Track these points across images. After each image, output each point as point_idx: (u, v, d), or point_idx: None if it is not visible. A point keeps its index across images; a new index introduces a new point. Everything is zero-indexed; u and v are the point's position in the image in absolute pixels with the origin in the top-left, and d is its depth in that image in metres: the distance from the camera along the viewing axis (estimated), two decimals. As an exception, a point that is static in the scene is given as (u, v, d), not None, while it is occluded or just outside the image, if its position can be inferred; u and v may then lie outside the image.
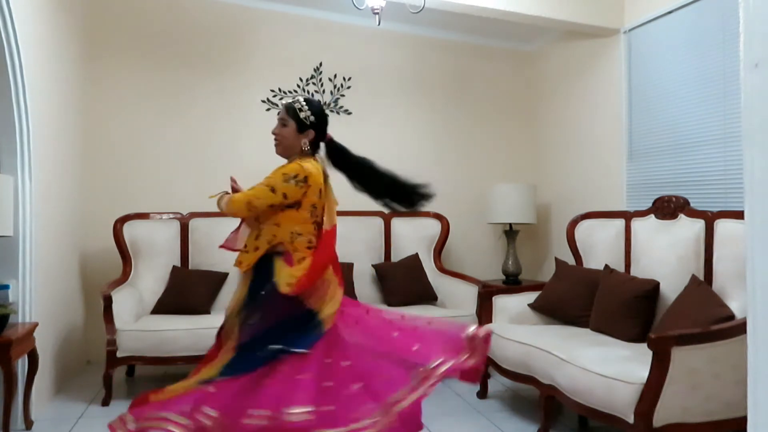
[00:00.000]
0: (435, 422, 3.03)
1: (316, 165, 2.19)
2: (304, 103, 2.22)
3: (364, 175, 2.26)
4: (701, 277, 2.85)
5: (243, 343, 2.05)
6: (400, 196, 2.28)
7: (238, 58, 4.54)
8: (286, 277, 2.05)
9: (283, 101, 2.27)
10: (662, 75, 3.78)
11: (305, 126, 2.21)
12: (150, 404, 2.00)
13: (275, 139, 2.23)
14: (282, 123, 2.22)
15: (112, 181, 4.26)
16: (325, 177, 2.23)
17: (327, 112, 2.39)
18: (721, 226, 2.84)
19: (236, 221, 2.28)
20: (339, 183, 2.31)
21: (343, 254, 4.05)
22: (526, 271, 4.85)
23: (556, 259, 3.79)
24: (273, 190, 2.08)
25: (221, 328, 2.20)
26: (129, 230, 3.95)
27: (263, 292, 2.06)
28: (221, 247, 2.29)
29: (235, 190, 2.21)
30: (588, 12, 4.11)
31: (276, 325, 2.03)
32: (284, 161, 2.27)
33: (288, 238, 2.11)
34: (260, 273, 2.09)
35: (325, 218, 2.19)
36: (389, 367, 2.04)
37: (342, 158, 2.27)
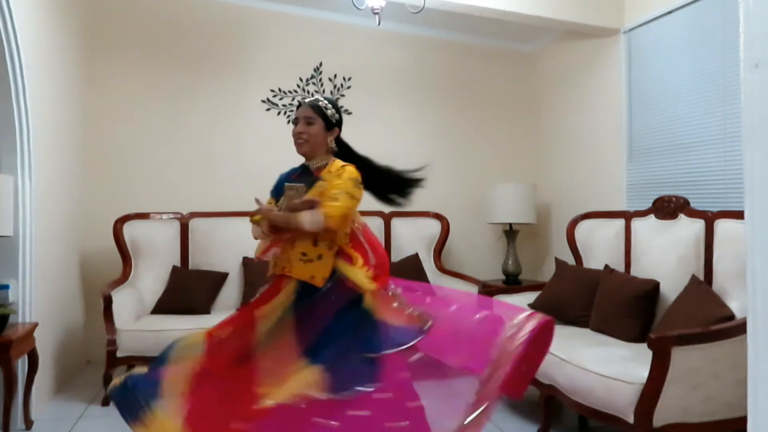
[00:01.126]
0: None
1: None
2: (328, 102, 2.22)
3: (367, 172, 2.23)
4: (701, 277, 2.85)
5: (323, 354, 1.91)
6: (399, 190, 2.32)
7: (238, 58, 4.54)
8: (361, 275, 2.02)
9: (306, 100, 2.23)
10: (662, 75, 3.78)
11: (332, 124, 2.21)
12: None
13: (300, 138, 2.17)
14: (308, 121, 2.17)
15: (112, 181, 4.26)
16: None
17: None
18: (721, 226, 2.84)
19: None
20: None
21: (343, 254, 4.09)
22: (526, 271, 4.85)
23: (556, 259, 3.79)
24: (353, 197, 2.07)
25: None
26: (129, 230, 3.95)
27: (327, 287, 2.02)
28: (260, 259, 2.24)
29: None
30: (588, 12, 4.11)
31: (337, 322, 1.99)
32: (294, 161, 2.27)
33: (344, 240, 2.11)
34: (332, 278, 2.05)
35: (356, 218, 2.20)
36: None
37: (349, 155, 2.28)
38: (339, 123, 2.25)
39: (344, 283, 2.02)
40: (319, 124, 2.18)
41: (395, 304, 2.05)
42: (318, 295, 2.01)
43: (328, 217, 1.98)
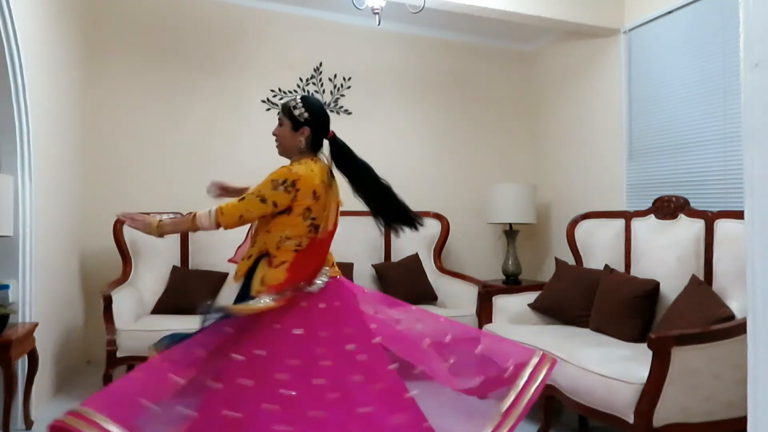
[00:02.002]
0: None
1: (310, 166, 2.08)
2: (300, 101, 2.15)
3: (364, 180, 2.17)
4: (701, 277, 2.85)
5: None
6: (395, 211, 2.23)
7: (238, 58, 4.54)
8: (262, 277, 2.00)
9: (283, 101, 2.27)
10: (662, 75, 3.78)
11: (299, 123, 2.13)
12: None
13: (275, 140, 2.18)
14: (279, 122, 2.17)
15: (112, 181, 4.25)
16: (330, 176, 2.14)
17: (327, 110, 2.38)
18: (721, 226, 2.84)
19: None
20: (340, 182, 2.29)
21: (343, 254, 4.07)
22: (526, 271, 4.85)
23: (556, 259, 3.79)
24: (263, 200, 2.01)
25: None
26: (129, 230, 3.95)
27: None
28: (230, 261, 2.32)
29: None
30: (588, 12, 4.11)
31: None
32: (286, 161, 2.19)
33: (275, 243, 2.04)
34: (247, 278, 2.05)
35: (321, 223, 2.08)
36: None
37: (344, 157, 2.16)
38: (311, 122, 2.13)
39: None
40: (286, 125, 2.15)
41: None
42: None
43: (219, 214, 2.02)
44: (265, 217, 2.06)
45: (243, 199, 2.04)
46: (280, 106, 2.22)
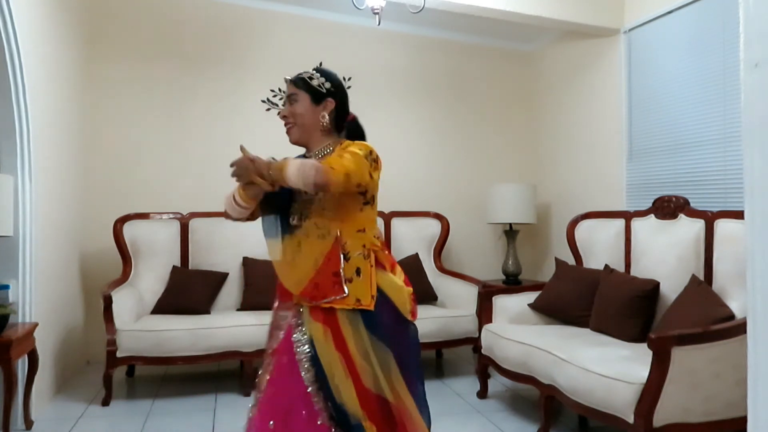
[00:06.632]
0: (435, 422, 3.03)
1: None
2: (314, 72, 1.78)
3: None
4: (701, 277, 2.85)
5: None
6: None
7: (237, 58, 4.54)
8: (400, 292, 1.72)
9: (287, 77, 1.82)
10: (662, 75, 3.78)
11: (321, 95, 1.75)
12: None
13: (287, 123, 1.75)
14: (292, 100, 1.74)
15: (112, 180, 4.26)
16: None
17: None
18: (721, 226, 2.84)
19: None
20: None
21: (343, 254, 4.09)
22: (526, 271, 4.85)
23: (556, 259, 3.79)
24: (362, 160, 1.61)
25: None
26: (129, 230, 3.95)
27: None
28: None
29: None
30: (588, 12, 4.11)
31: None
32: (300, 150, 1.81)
33: (376, 243, 1.72)
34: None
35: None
36: None
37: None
38: (334, 93, 1.77)
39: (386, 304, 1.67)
40: (305, 99, 1.73)
41: None
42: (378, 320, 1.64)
43: (327, 172, 1.51)
44: (348, 197, 1.67)
45: (341, 157, 1.60)
46: (288, 82, 1.78)
